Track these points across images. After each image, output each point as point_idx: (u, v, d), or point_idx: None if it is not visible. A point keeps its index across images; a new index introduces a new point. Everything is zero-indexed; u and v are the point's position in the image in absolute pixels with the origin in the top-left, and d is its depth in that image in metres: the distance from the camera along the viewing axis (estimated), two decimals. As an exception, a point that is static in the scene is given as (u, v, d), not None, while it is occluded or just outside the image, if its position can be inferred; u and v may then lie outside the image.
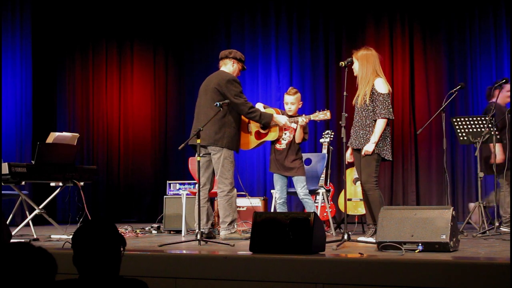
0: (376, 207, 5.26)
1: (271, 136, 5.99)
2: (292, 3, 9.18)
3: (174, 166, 9.42)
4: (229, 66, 5.93)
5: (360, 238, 5.12)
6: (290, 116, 6.05)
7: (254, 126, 6.06)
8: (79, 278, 2.30)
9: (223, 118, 5.70)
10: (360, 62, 5.40)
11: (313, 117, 5.91)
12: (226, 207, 5.65)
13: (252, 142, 6.06)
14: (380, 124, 5.29)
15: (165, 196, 7.14)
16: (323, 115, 5.84)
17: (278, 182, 6.04)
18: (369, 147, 5.29)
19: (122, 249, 2.35)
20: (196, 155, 5.31)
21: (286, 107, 6.10)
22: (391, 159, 5.44)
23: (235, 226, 5.69)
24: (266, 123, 5.88)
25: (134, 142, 9.69)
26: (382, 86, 5.32)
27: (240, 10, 9.42)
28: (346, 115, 5.07)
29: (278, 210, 5.98)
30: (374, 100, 5.31)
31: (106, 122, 9.74)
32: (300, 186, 5.95)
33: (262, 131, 6.04)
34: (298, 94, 6.12)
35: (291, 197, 6.98)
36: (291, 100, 6.04)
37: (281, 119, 5.93)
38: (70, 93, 9.78)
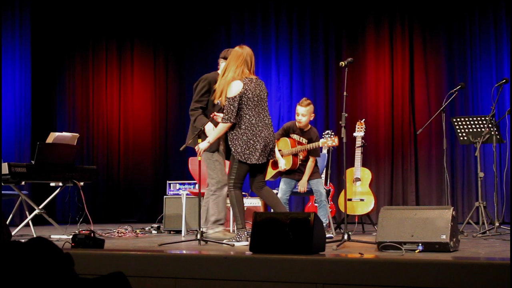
0: (232, 206, 5.17)
1: (286, 164, 5.97)
2: (292, 3, 9.17)
3: (174, 166, 9.41)
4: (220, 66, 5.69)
5: (236, 244, 4.93)
6: (300, 129, 6.09)
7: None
8: None
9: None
10: (229, 60, 5.22)
11: (321, 143, 5.99)
12: (212, 206, 5.61)
13: (269, 172, 6.02)
14: (219, 127, 5.14)
15: (165, 196, 7.14)
16: (331, 141, 5.92)
17: (286, 183, 6.06)
18: (201, 145, 5.17)
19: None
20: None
21: (297, 118, 6.07)
22: (254, 162, 5.10)
23: (219, 225, 5.63)
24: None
25: (134, 142, 9.68)
26: (231, 89, 5.11)
27: (240, 10, 9.42)
28: (346, 115, 5.06)
29: None
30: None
31: (106, 122, 9.74)
32: (322, 188, 6.10)
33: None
34: (311, 106, 6.07)
35: (292, 197, 6.97)
36: (303, 112, 6.02)
37: (281, 162, 5.89)
38: (70, 93, 9.78)
